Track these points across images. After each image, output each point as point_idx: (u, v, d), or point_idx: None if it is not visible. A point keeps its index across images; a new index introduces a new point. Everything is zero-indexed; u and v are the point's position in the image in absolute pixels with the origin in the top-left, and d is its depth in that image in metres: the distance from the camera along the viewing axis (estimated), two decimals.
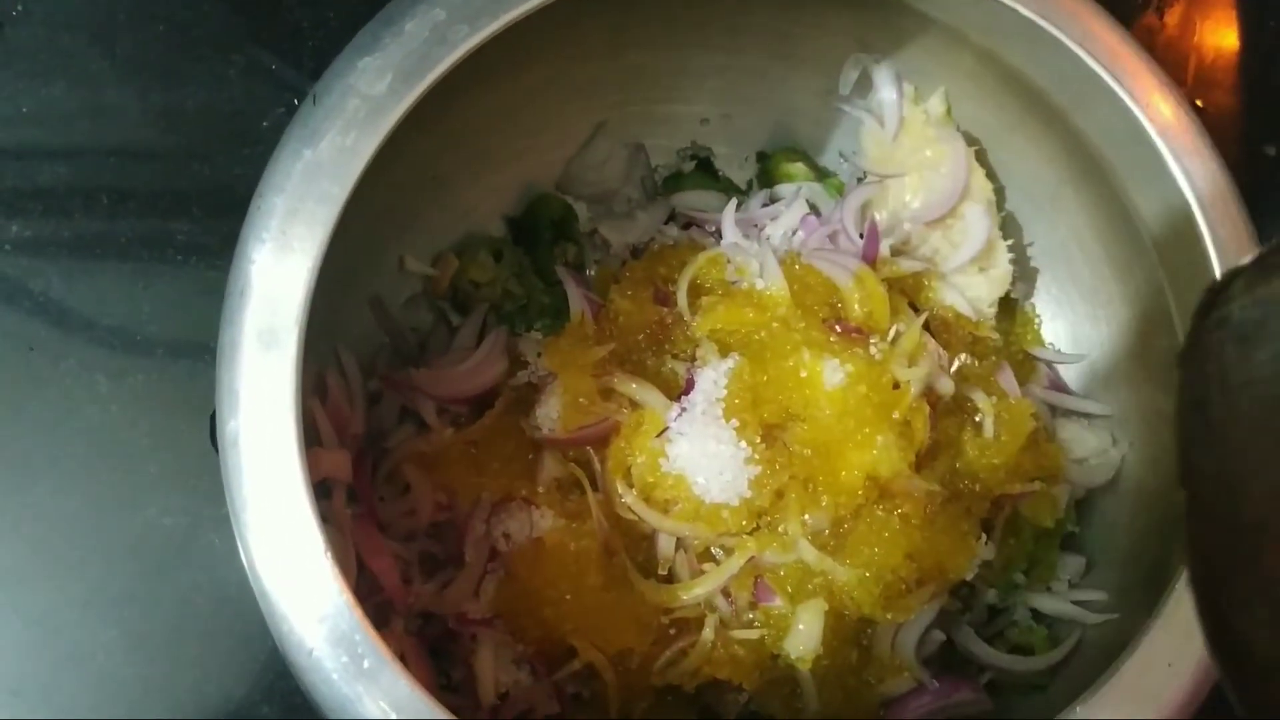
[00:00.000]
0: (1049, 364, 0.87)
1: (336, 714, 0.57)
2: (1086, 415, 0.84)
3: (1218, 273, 0.66)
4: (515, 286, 0.85)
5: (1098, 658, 0.76)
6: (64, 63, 0.93)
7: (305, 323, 0.61)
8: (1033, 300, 0.89)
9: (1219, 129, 1.02)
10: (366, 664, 0.57)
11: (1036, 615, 0.82)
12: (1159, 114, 0.68)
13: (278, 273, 0.61)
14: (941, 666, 0.78)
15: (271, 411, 0.59)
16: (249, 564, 0.59)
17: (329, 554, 0.58)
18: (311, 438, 0.73)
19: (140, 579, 0.86)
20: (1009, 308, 0.88)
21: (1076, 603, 0.80)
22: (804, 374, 0.73)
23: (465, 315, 0.85)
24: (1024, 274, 0.88)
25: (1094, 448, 0.83)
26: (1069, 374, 0.87)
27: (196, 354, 0.88)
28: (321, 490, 0.73)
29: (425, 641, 0.75)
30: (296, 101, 0.79)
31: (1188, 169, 0.68)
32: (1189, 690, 0.59)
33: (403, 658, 0.71)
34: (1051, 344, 0.88)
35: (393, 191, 0.77)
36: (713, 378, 0.73)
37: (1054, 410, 0.85)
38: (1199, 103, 1.01)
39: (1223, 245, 0.66)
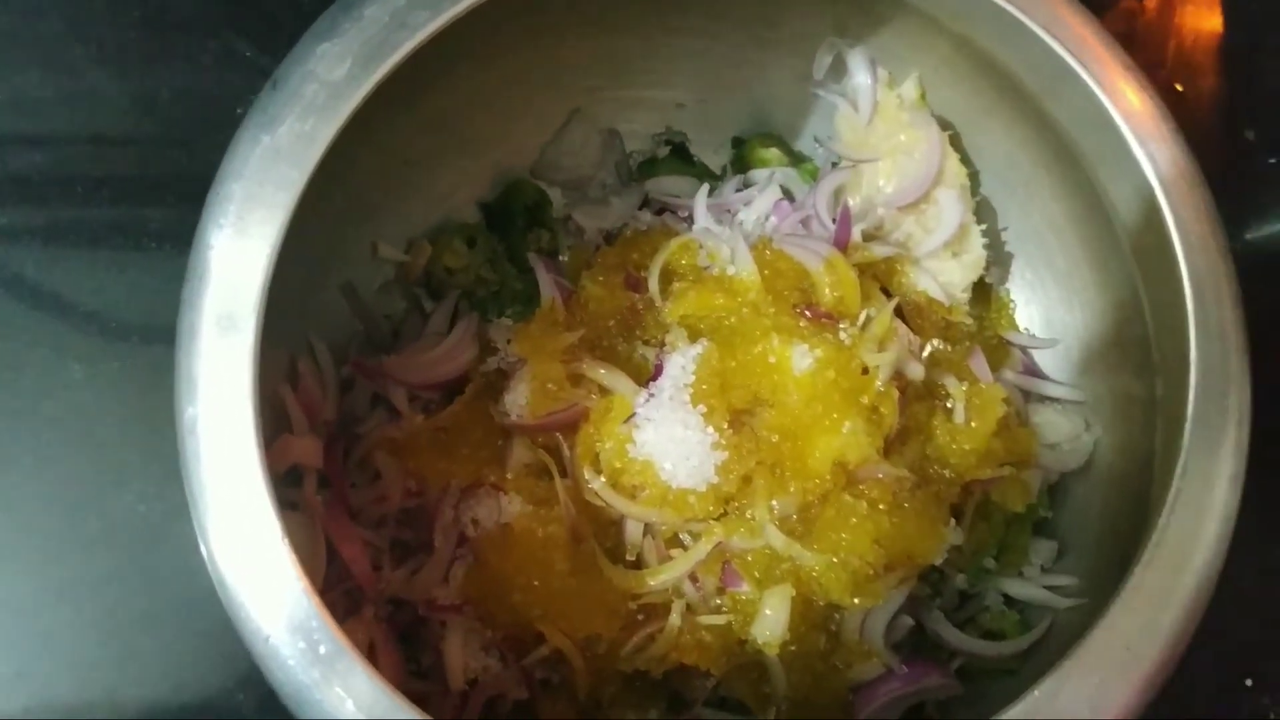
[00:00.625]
0: (1023, 349, 0.86)
1: (293, 700, 0.57)
2: (1060, 400, 0.84)
3: (1182, 258, 0.65)
4: (488, 273, 0.85)
5: (1069, 642, 0.76)
6: (39, 50, 0.93)
7: (264, 308, 0.60)
8: (1007, 285, 0.89)
9: (1199, 113, 1.02)
10: (323, 650, 0.57)
11: (1008, 600, 0.82)
12: (1124, 99, 0.68)
13: (236, 258, 0.61)
14: (912, 651, 0.78)
15: (230, 398, 0.60)
16: (206, 550, 0.59)
17: (286, 541, 0.58)
18: (283, 424, 0.73)
19: (115, 565, 0.86)
20: (984, 293, 0.88)
21: (1048, 588, 0.80)
22: (773, 359, 0.73)
23: (439, 301, 0.85)
24: (999, 259, 0.88)
25: (1067, 433, 0.83)
26: (1043, 359, 0.87)
27: (171, 340, 0.88)
28: (293, 477, 0.73)
29: (396, 628, 0.75)
30: None
31: (1152, 154, 0.67)
32: (1147, 674, 0.59)
33: (372, 644, 0.72)
34: (1026, 329, 0.88)
35: (365, 178, 0.78)
36: (681, 363, 0.73)
37: (1028, 395, 0.85)
38: (1179, 87, 1.01)
39: (1186, 229, 0.66)
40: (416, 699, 0.71)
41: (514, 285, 0.85)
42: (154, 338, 0.89)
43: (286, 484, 0.72)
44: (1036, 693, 0.59)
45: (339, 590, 0.73)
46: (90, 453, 0.88)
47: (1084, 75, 0.70)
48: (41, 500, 0.87)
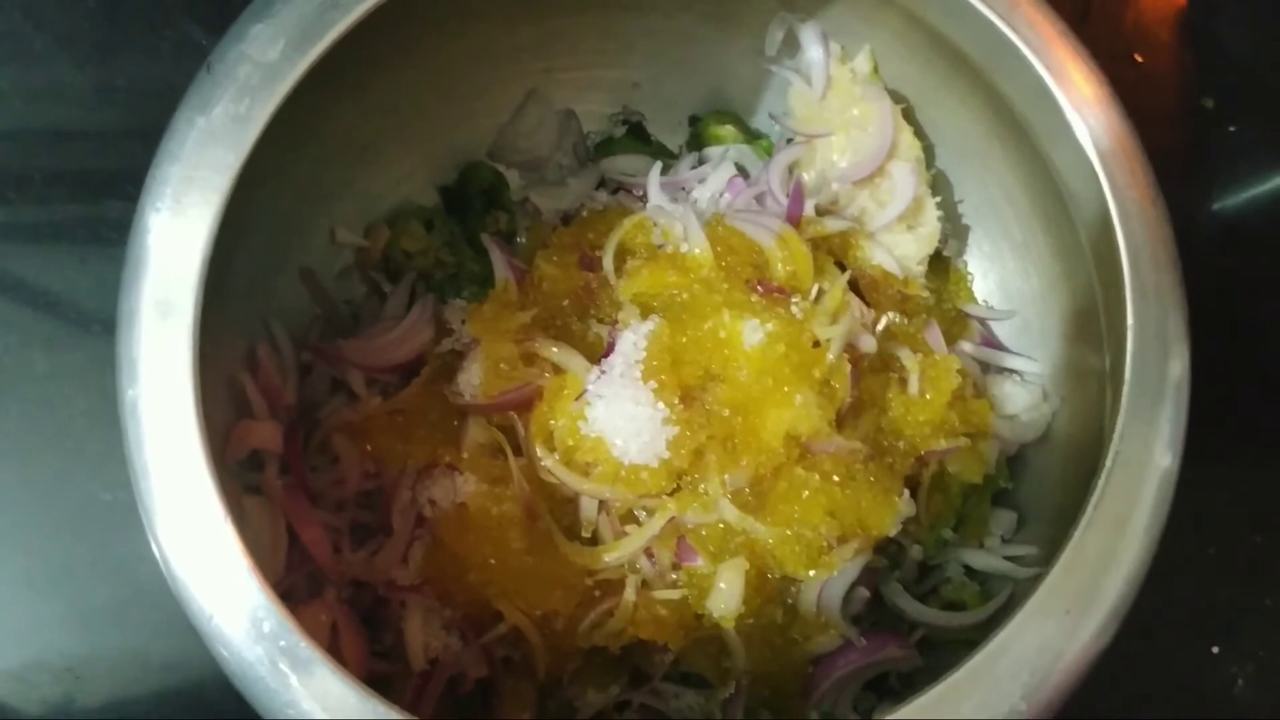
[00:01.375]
0: (981, 321, 0.87)
1: (240, 679, 0.57)
2: (1018, 372, 0.84)
3: (1118, 224, 0.66)
4: (446, 255, 0.85)
5: None
6: None
7: (202, 290, 0.61)
8: (965, 258, 0.89)
9: (1160, 83, 1.02)
10: (267, 628, 0.57)
11: (969, 572, 0.82)
12: (1060, 68, 0.68)
13: (173, 241, 0.61)
14: (873, 624, 0.79)
15: (170, 379, 0.60)
16: (150, 532, 0.59)
17: (229, 520, 0.58)
18: (243, 409, 0.74)
19: (82, 554, 0.87)
20: (941, 265, 0.88)
21: (1009, 558, 0.80)
22: (723, 334, 0.73)
23: (396, 283, 0.85)
24: (956, 231, 0.88)
25: (1025, 404, 0.83)
26: (1002, 331, 0.87)
27: None
28: (253, 461, 0.74)
29: (357, 610, 0.76)
30: None
31: (1088, 122, 0.68)
32: (1088, 636, 0.59)
33: (335, 626, 0.72)
34: (985, 301, 0.88)
35: (320, 163, 0.78)
36: (632, 340, 0.73)
37: (986, 367, 0.85)
38: (1138, 58, 1.01)
39: (1121, 195, 0.66)
40: (379, 679, 0.72)
41: (471, 267, 0.85)
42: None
43: (247, 469, 0.73)
44: (979, 656, 0.59)
45: (300, 573, 0.73)
46: (55, 443, 0.88)
47: (1023, 48, 0.70)
48: (6, 491, 0.88)
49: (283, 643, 0.57)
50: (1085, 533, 0.61)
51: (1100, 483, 0.62)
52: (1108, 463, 0.62)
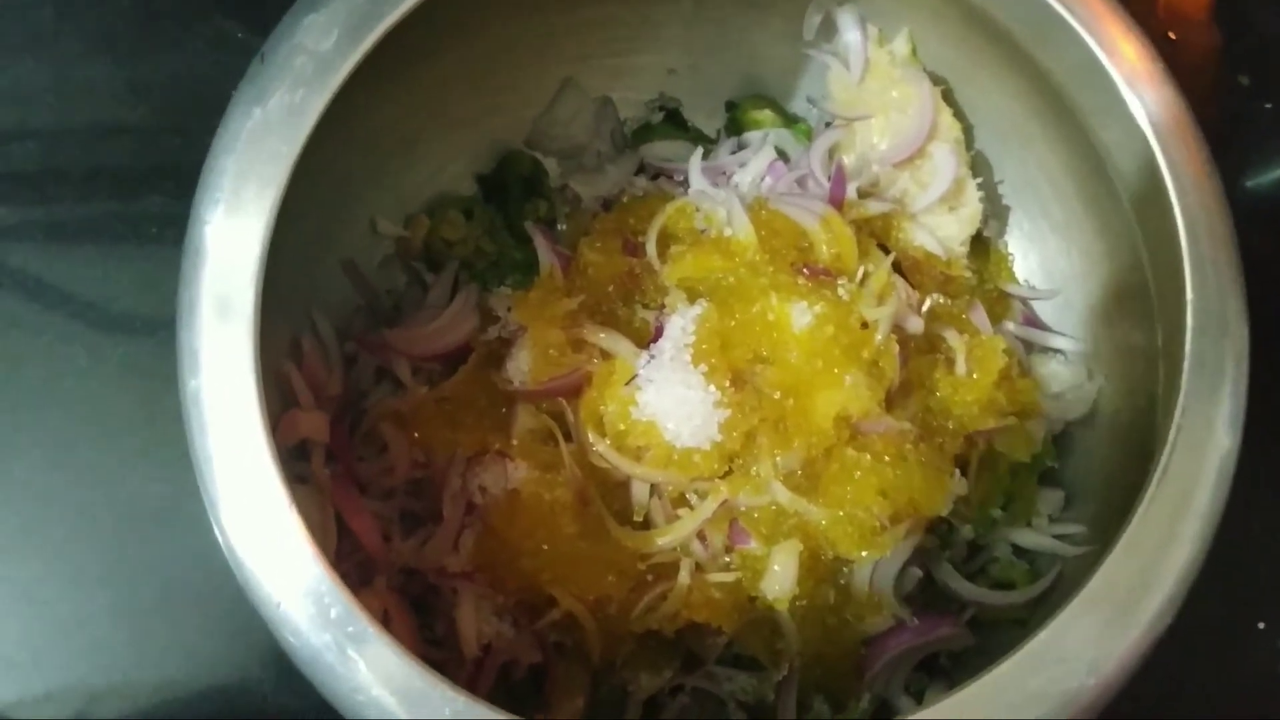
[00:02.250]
0: (1024, 300, 0.87)
1: (307, 665, 0.58)
2: (1061, 350, 0.85)
3: (1175, 202, 0.65)
4: (487, 244, 0.85)
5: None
6: (30, 40, 0.94)
7: (261, 280, 0.61)
8: (1005, 238, 0.89)
9: (1193, 61, 1.02)
10: (334, 613, 0.57)
11: (1017, 551, 0.82)
12: (1113, 44, 0.68)
13: (232, 233, 0.61)
14: (923, 604, 0.79)
15: (231, 368, 0.60)
16: (215, 520, 0.60)
17: (293, 507, 0.59)
18: (289, 400, 0.74)
19: (128, 549, 0.87)
20: (982, 246, 0.88)
21: (1057, 537, 0.81)
22: (772, 317, 0.73)
23: (439, 274, 0.85)
24: (995, 212, 0.88)
25: (1069, 382, 0.83)
26: (1044, 310, 0.87)
27: (174, 325, 0.89)
28: (300, 452, 0.74)
29: (408, 597, 0.76)
30: None
31: (1143, 98, 0.67)
32: (1151, 616, 0.59)
33: (386, 614, 0.72)
34: (1026, 281, 0.88)
35: (361, 154, 0.78)
36: (681, 324, 0.73)
37: (1029, 347, 0.85)
38: (1172, 35, 1.01)
39: (1179, 171, 0.66)
40: (431, 667, 0.72)
41: (513, 255, 0.85)
42: (158, 323, 0.89)
43: (295, 459, 0.73)
44: (1041, 635, 0.59)
45: (351, 562, 0.73)
46: (98, 438, 0.88)
47: (1072, 22, 0.70)
48: (52, 488, 0.88)
49: (350, 628, 0.57)
50: (1147, 511, 0.61)
51: (1162, 461, 0.62)
52: (1170, 440, 0.61)
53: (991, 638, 0.80)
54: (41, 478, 0.88)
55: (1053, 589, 0.79)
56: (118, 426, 0.89)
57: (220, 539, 0.60)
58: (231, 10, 0.94)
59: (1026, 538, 0.81)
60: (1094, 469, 0.82)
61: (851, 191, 0.80)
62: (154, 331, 0.90)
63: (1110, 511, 0.78)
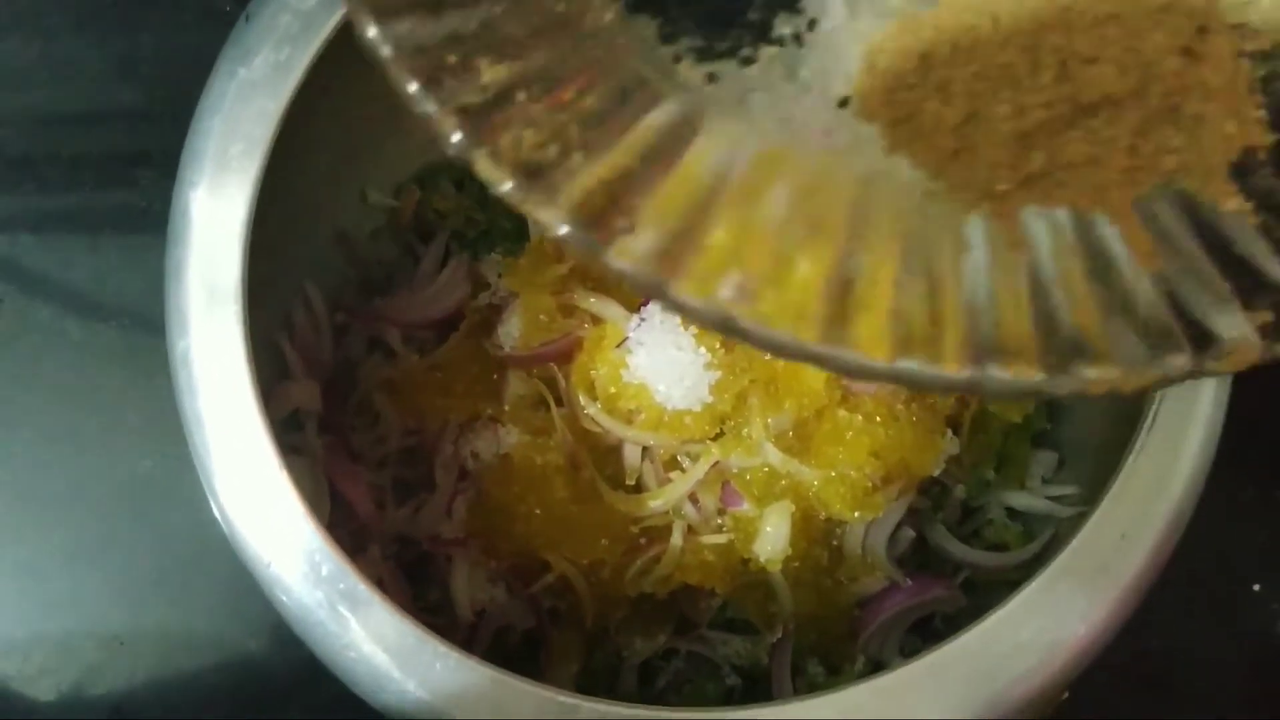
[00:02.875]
0: None
1: (300, 624, 0.58)
2: None
3: None
4: (477, 213, 0.85)
5: None
6: (16, 18, 0.94)
7: (249, 240, 0.61)
8: None
9: None
10: (325, 571, 0.57)
11: (1011, 513, 0.82)
12: None
13: (219, 195, 0.61)
14: (917, 566, 0.79)
15: (220, 327, 0.60)
16: (206, 482, 0.60)
17: (284, 469, 0.59)
18: (281, 371, 0.74)
19: (123, 524, 0.87)
20: None
21: (1050, 498, 0.80)
22: None
23: (430, 245, 0.85)
24: None
25: None
26: None
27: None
28: (293, 422, 0.74)
29: (402, 566, 0.76)
30: None
31: None
32: (1144, 560, 0.59)
33: (380, 582, 0.72)
34: None
35: (350, 123, 0.77)
36: None
37: None
38: None
39: None
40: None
41: (503, 224, 0.85)
42: (152, 299, 0.89)
43: (287, 429, 0.73)
44: (1037, 581, 0.59)
45: (344, 531, 0.73)
46: (91, 415, 0.89)
47: None
48: (45, 464, 0.88)
49: (341, 585, 0.57)
50: (1138, 459, 0.61)
51: (1150, 413, 0.61)
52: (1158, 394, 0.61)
53: (985, 599, 0.79)
54: (35, 455, 0.88)
55: (1046, 550, 0.79)
56: (111, 402, 0.89)
57: (211, 501, 0.60)
58: None
59: (1020, 499, 0.81)
60: (1088, 428, 0.81)
61: None
62: (150, 307, 0.89)
63: (1104, 471, 0.78)
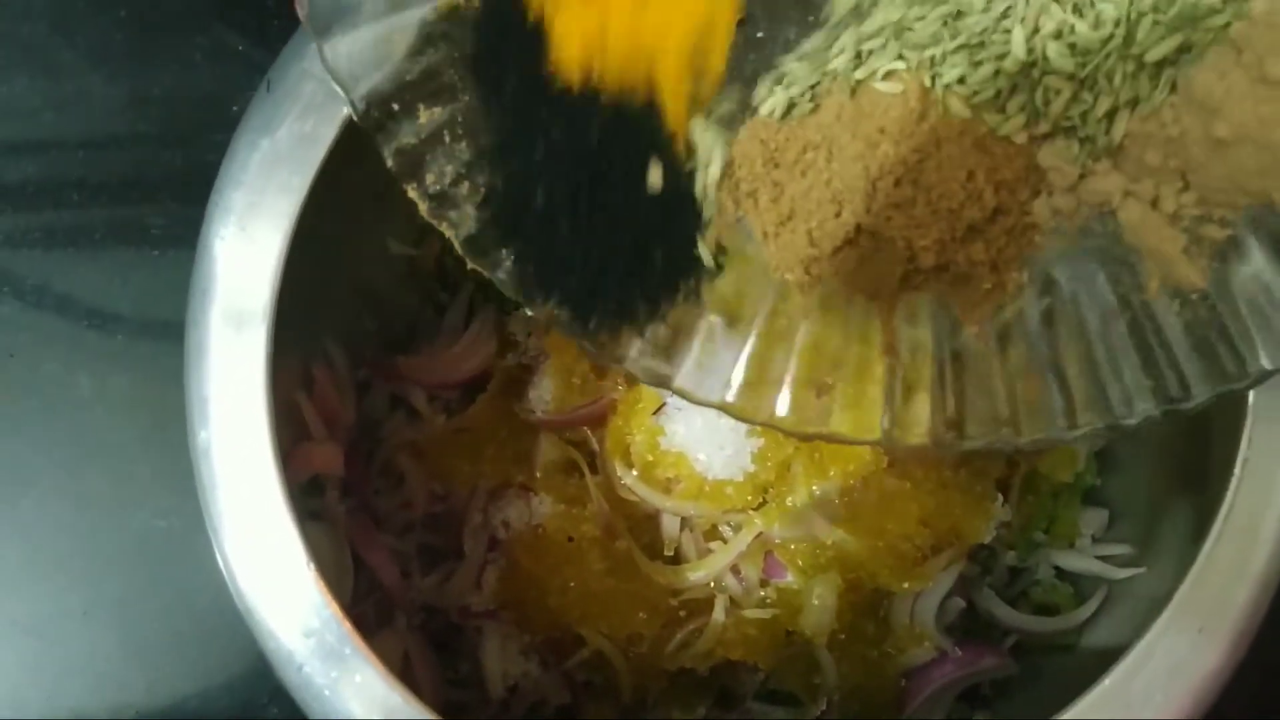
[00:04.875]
0: None
1: (299, 691, 0.56)
2: None
3: None
4: None
5: (1125, 614, 0.73)
6: (25, 55, 0.91)
7: (274, 320, 0.58)
8: None
9: None
10: (345, 651, 0.55)
11: (1060, 573, 0.79)
12: None
13: (242, 268, 0.58)
14: (964, 633, 0.76)
15: (244, 417, 0.57)
16: (224, 564, 0.57)
17: (308, 555, 0.56)
18: (301, 433, 0.71)
19: (138, 583, 0.85)
20: None
21: (1101, 558, 0.77)
22: None
23: (454, 295, 0.82)
24: None
25: None
26: None
27: (178, 345, 0.86)
28: (314, 486, 0.71)
29: (430, 636, 0.73)
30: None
31: None
32: (1222, 656, 0.56)
33: (407, 655, 0.70)
34: None
35: (372, 174, 0.74)
36: None
37: None
38: None
39: None
40: (456, 708, 0.70)
41: None
42: (162, 345, 0.87)
43: (308, 494, 0.70)
44: (1109, 679, 0.56)
45: (369, 601, 0.71)
46: (104, 470, 0.86)
47: None
48: (59, 520, 0.85)
49: (359, 678, 0.54)
50: (1216, 545, 0.58)
51: (1229, 494, 0.58)
52: (1237, 471, 0.58)
53: (1035, 664, 0.77)
54: (48, 511, 0.85)
55: (1099, 612, 0.76)
56: (124, 457, 0.86)
57: (225, 574, 0.57)
58: (232, 21, 0.91)
59: (1070, 560, 0.78)
60: (1139, 487, 0.78)
61: None
62: (159, 355, 0.87)
63: (1157, 531, 0.75)
